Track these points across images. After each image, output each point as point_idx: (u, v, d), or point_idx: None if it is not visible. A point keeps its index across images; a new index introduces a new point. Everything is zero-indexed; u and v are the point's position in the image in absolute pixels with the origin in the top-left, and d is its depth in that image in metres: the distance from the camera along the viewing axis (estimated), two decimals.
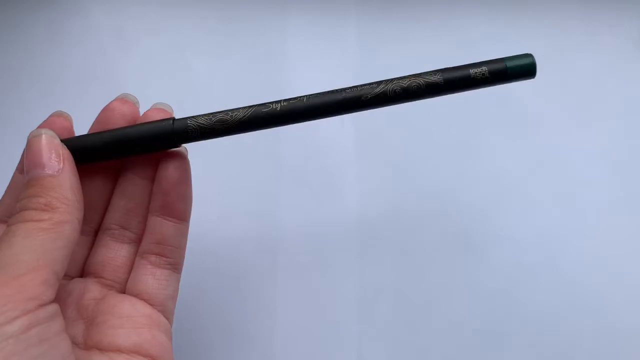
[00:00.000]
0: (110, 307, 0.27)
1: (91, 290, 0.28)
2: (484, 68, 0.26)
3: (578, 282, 0.45)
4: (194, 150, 0.31)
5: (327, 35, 0.50)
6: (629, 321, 0.44)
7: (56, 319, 0.23)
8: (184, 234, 0.29)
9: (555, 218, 0.46)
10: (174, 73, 0.49)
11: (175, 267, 0.29)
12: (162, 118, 0.28)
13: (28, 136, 0.26)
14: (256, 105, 0.27)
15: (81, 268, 0.29)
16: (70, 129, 0.29)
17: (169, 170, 0.28)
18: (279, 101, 0.27)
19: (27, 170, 0.25)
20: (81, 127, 0.30)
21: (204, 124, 0.27)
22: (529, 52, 0.27)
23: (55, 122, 0.28)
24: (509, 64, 0.26)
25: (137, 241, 0.29)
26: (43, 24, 0.50)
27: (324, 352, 0.43)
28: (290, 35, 0.50)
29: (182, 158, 0.29)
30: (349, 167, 0.47)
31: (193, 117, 0.27)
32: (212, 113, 0.27)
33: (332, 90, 0.27)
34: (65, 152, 0.26)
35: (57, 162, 0.25)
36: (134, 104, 0.29)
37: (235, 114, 0.27)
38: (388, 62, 0.50)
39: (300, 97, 0.27)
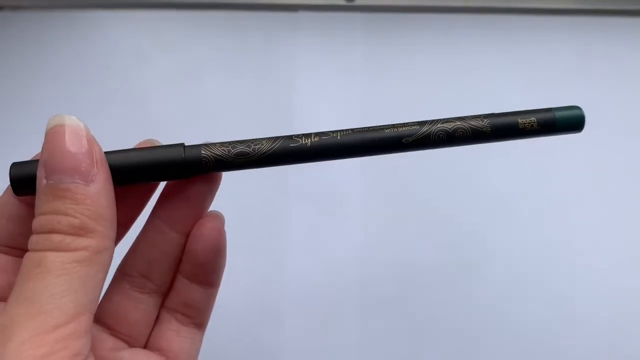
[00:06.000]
0: None
1: (102, 340, 0.24)
2: (533, 119, 0.24)
3: (568, 296, 0.46)
4: None
5: (334, 58, 0.52)
6: (617, 333, 0.45)
7: None
8: (212, 298, 0.26)
9: (545, 234, 0.48)
10: (189, 91, 0.50)
11: (201, 326, 0.26)
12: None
13: (48, 123, 0.20)
14: (282, 137, 0.23)
15: None
16: None
17: (206, 242, 0.24)
18: (309, 135, 0.23)
19: (50, 173, 0.19)
20: (104, 145, 0.31)
21: (220, 156, 0.22)
22: (576, 105, 0.25)
23: None
24: (558, 114, 0.24)
25: (159, 292, 0.25)
26: (65, 43, 0.52)
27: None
28: (299, 57, 0.51)
29: (220, 225, 0.25)
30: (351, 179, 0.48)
31: (207, 145, 0.23)
32: (230, 142, 0.23)
33: (368, 128, 0.23)
34: (99, 151, 0.20)
35: (90, 166, 0.19)
36: None
37: (258, 146, 0.22)
38: (393, 84, 0.51)
39: (332, 132, 0.23)
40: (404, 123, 0.24)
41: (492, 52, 0.52)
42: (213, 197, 0.25)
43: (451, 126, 0.24)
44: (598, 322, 0.46)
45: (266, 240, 0.47)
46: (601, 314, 0.46)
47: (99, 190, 0.19)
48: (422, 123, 0.24)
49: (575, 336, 0.46)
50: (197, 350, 0.26)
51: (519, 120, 0.24)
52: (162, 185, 0.25)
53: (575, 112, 0.25)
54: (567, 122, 0.24)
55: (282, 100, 0.51)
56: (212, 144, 0.23)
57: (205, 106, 0.50)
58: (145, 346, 0.25)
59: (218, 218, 0.25)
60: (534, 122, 0.24)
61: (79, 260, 0.18)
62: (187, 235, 0.24)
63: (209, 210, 0.25)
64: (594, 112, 0.50)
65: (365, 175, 0.49)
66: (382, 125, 0.23)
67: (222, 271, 0.26)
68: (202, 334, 0.27)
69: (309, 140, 0.23)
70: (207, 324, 0.27)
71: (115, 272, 0.25)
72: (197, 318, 0.26)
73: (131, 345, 0.24)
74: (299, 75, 0.51)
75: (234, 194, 0.48)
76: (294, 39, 0.52)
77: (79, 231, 0.19)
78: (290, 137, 0.23)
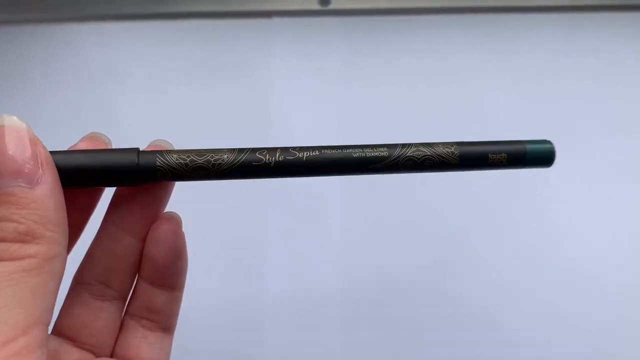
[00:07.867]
0: None
1: (67, 352, 0.23)
2: (503, 155, 0.24)
3: (557, 302, 0.46)
4: None
5: (310, 63, 0.52)
6: (604, 339, 0.45)
7: None
8: (177, 301, 0.25)
9: (532, 241, 0.47)
10: (164, 101, 0.50)
11: (169, 330, 0.25)
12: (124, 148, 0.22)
13: None
14: (245, 152, 0.22)
15: None
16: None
17: (163, 245, 0.23)
18: (274, 152, 0.22)
19: None
20: None
21: (176, 168, 0.21)
22: (547, 139, 0.25)
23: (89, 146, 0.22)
24: (530, 148, 0.24)
25: (120, 299, 0.24)
26: (38, 56, 0.51)
27: None
28: (275, 63, 0.51)
29: (177, 227, 0.24)
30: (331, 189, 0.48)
31: (163, 153, 0.22)
32: (188, 153, 0.22)
33: (334, 148, 0.23)
34: (43, 152, 0.19)
35: (34, 168, 0.18)
36: (106, 144, 0.23)
37: (218, 161, 0.22)
38: (371, 88, 0.51)
39: (298, 149, 0.22)
40: (373, 146, 0.23)
41: (474, 52, 0.52)
42: (168, 200, 0.24)
43: (420, 155, 0.23)
44: (588, 328, 0.45)
45: (245, 251, 0.46)
46: (590, 319, 0.45)
47: (45, 193, 0.18)
48: (391, 148, 0.23)
49: (565, 343, 0.45)
50: (167, 355, 0.25)
51: (489, 155, 0.24)
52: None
53: (546, 146, 0.24)
54: (537, 156, 0.24)
55: (259, 106, 0.50)
56: (168, 152, 0.22)
57: (181, 115, 0.50)
58: (112, 355, 0.24)
59: (174, 220, 0.24)
60: (504, 158, 0.24)
61: (27, 269, 0.17)
62: (144, 240, 0.23)
63: (164, 211, 0.24)
64: (582, 109, 0.50)
65: (344, 182, 0.48)
66: (351, 147, 0.23)
67: (185, 273, 0.25)
68: (171, 339, 0.26)
69: (273, 159, 0.22)
70: (174, 327, 0.26)
71: (72, 281, 0.24)
72: (164, 323, 0.25)
73: (98, 355, 0.24)
74: (275, 81, 0.51)
75: (210, 204, 0.47)
76: (269, 45, 0.52)
77: (25, 237, 0.17)
78: (254, 152, 0.22)
